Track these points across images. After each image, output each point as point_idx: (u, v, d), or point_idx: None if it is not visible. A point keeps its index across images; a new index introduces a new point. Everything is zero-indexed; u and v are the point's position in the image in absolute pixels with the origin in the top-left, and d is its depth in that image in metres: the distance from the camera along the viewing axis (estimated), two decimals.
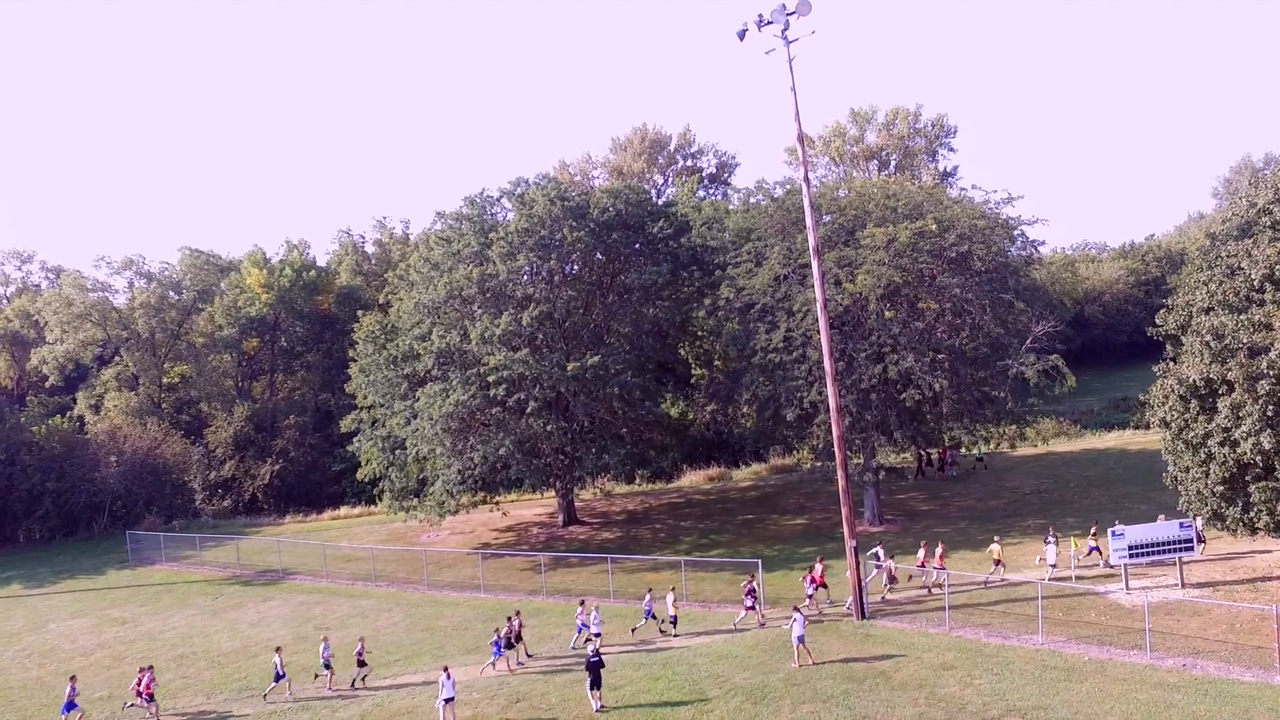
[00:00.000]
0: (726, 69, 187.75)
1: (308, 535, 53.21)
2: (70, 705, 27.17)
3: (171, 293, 73.05)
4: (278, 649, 28.83)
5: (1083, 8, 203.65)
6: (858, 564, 30.71)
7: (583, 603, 31.45)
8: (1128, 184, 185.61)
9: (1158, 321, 32.02)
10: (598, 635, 29.20)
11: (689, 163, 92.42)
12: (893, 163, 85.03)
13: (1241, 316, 27.73)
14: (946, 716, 22.70)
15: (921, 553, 33.54)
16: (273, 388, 77.18)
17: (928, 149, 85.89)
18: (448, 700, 24.87)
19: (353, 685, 28.48)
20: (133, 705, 27.81)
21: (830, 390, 31.10)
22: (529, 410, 40.11)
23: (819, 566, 32.78)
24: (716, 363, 52.58)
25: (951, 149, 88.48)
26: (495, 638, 28.81)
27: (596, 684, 25.19)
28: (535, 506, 55.52)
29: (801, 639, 26.79)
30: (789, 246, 42.05)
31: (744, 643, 29.32)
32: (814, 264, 31.15)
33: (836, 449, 31.21)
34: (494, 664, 28.60)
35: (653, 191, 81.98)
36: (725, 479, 59.18)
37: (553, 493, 52.46)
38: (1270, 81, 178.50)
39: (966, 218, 39.76)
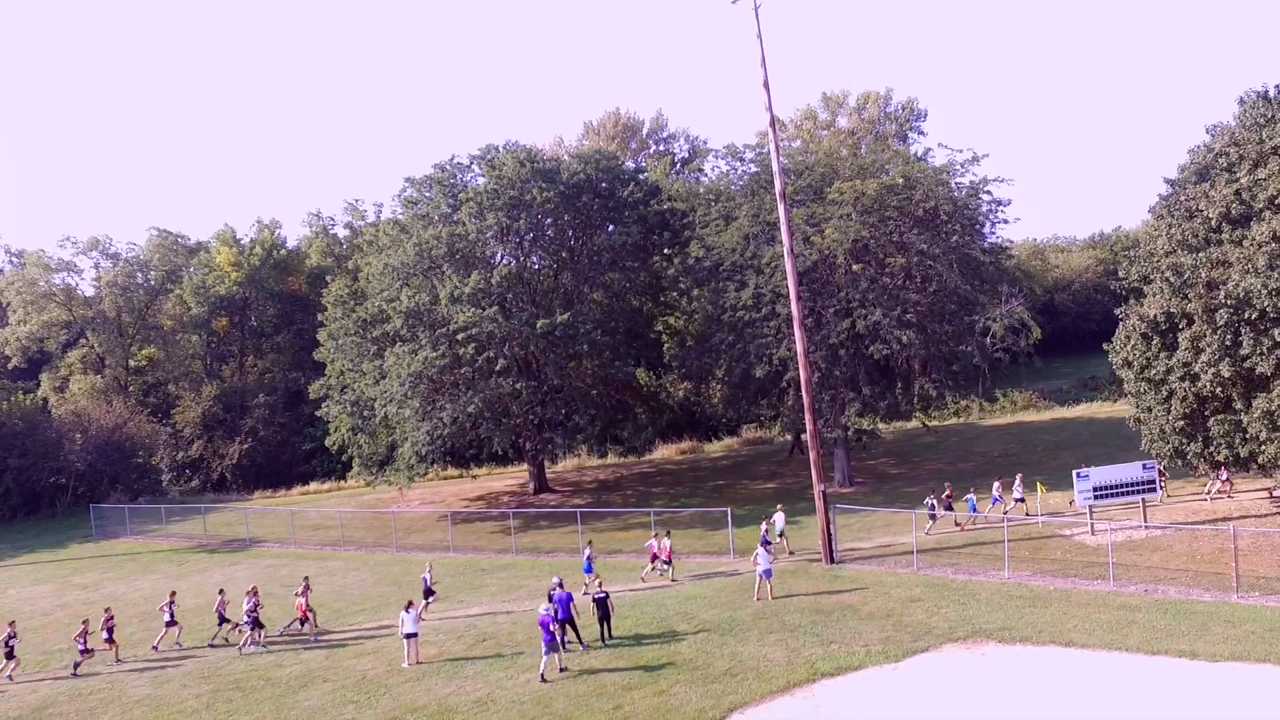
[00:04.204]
0: (699, 52, 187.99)
1: (276, 508, 52.58)
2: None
3: (139, 274, 71.98)
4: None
5: (1054, 1, 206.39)
6: (826, 509, 30.89)
7: (933, 491, 34.86)
8: (1097, 177, 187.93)
9: (1120, 274, 32.41)
10: (949, 510, 33.47)
11: (661, 147, 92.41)
12: (863, 146, 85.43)
13: (1200, 255, 28.16)
14: (913, 638, 22.82)
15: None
16: (242, 368, 76.17)
17: (898, 133, 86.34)
18: (409, 635, 24.61)
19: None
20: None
21: (798, 334, 31.20)
22: (498, 369, 39.87)
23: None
24: (689, 343, 52.46)
25: (922, 133, 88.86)
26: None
27: (570, 623, 25.01)
28: (506, 478, 55.26)
29: (768, 573, 26.88)
30: (758, 205, 42.14)
31: (712, 585, 29.37)
32: (780, 209, 31.24)
33: (804, 393, 31.30)
34: None
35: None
36: (697, 452, 59.21)
37: (524, 465, 52.16)
38: (1236, 76, 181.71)
39: (933, 174, 40.02)
